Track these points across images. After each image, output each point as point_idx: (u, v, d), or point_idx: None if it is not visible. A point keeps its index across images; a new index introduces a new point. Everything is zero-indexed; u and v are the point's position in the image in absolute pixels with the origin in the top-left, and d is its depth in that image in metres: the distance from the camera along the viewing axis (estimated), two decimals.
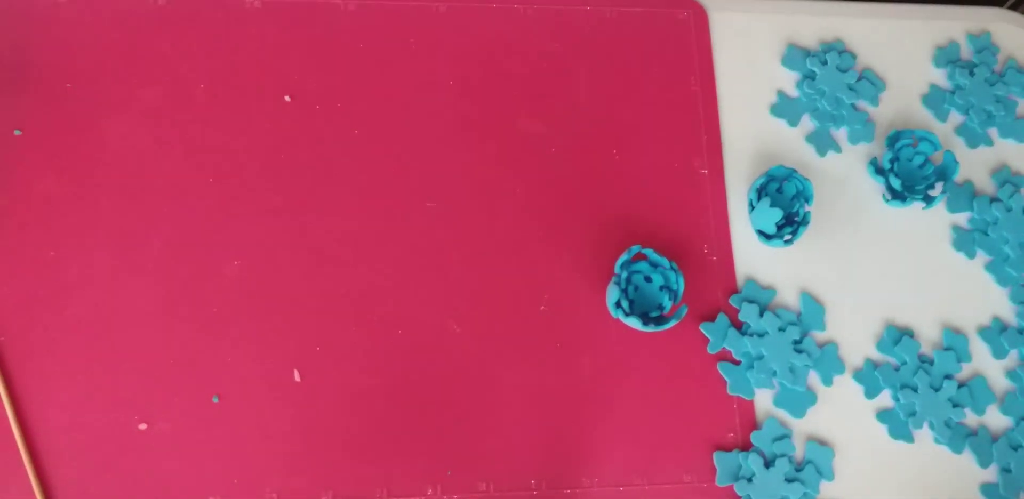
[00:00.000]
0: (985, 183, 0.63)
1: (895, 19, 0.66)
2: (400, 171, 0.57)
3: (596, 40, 0.62)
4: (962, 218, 0.62)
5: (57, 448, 0.49)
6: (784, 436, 0.55)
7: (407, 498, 0.51)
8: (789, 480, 0.53)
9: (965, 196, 0.62)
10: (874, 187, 0.62)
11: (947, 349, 0.58)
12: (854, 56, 0.64)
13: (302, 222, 0.55)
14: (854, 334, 0.58)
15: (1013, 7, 0.74)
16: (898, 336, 0.58)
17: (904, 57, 0.65)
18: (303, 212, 0.55)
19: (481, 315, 0.54)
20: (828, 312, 0.58)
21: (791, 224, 0.57)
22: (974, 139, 0.64)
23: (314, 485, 0.50)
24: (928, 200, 0.59)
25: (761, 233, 0.57)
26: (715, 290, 0.57)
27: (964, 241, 0.61)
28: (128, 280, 0.52)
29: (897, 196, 0.59)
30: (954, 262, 0.61)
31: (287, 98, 0.57)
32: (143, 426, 0.50)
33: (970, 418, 0.57)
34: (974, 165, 0.63)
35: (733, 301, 0.57)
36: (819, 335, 0.57)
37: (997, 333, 0.59)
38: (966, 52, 0.66)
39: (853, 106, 0.63)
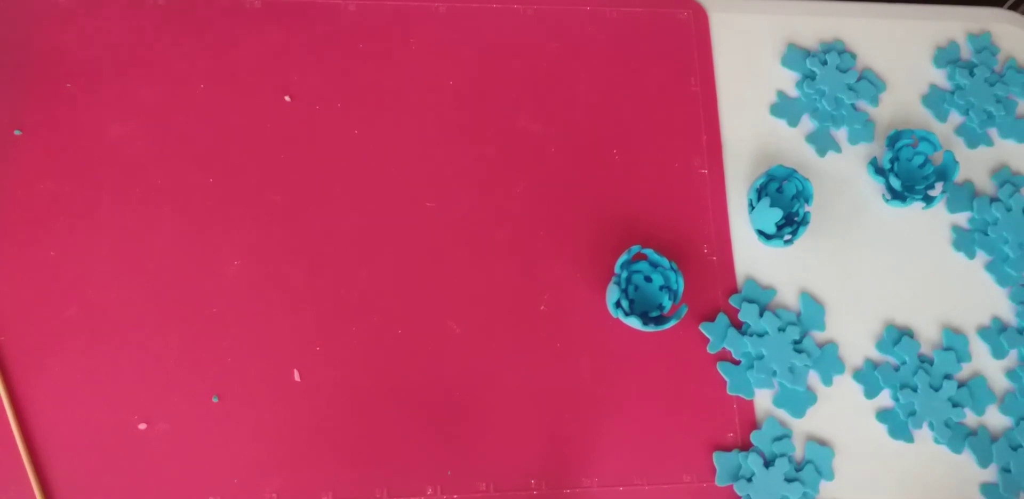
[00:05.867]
0: (985, 183, 0.63)
1: (895, 19, 0.66)
2: (400, 171, 0.57)
3: (596, 40, 0.62)
4: (962, 218, 0.62)
5: (57, 448, 0.49)
6: (784, 436, 0.55)
7: (407, 498, 0.51)
8: (789, 480, 0.53)
9: (965, 196, 0.62)
10: (874, 187, 0.62)
11: (947, 349, 0.58)
12: (854, 56, 0.64)
13: (302, 222, 0.55)
14: (854, 334, 0.58)
15: (1013, 7, 0.74)
16: (898, 336, 0.58)
17: (904, 57, 0.65)
18: (303, 212, 0.55)
19: (481, 315, 0.54)
20: (828, 312, 0.58)
21: (791, 224, 0.57)
22: (974, 139, 0.64)
23: (314, 485, 0.50)
24: (928, 200, 0.59)
25: (761, 233, 0.57)
26: (715, 290, 0.57)
27: (964, 241, 0.61)
28: (128, 280, 0.52)
29: (897, 196, 0.59)
30: (954, 262, 0.61)
31: (287, 98, 0.57)
32: (143, 426, 0.50)
33: (970, 418, 0.57)
34: (974, 165, 0.63)
35: (733, 301, 0.57)
36: (819, 335, 0.57)
37: (997, 333, 0.59)
38: (966, 52, 0.66)
39: (853, 106, 0.63)
